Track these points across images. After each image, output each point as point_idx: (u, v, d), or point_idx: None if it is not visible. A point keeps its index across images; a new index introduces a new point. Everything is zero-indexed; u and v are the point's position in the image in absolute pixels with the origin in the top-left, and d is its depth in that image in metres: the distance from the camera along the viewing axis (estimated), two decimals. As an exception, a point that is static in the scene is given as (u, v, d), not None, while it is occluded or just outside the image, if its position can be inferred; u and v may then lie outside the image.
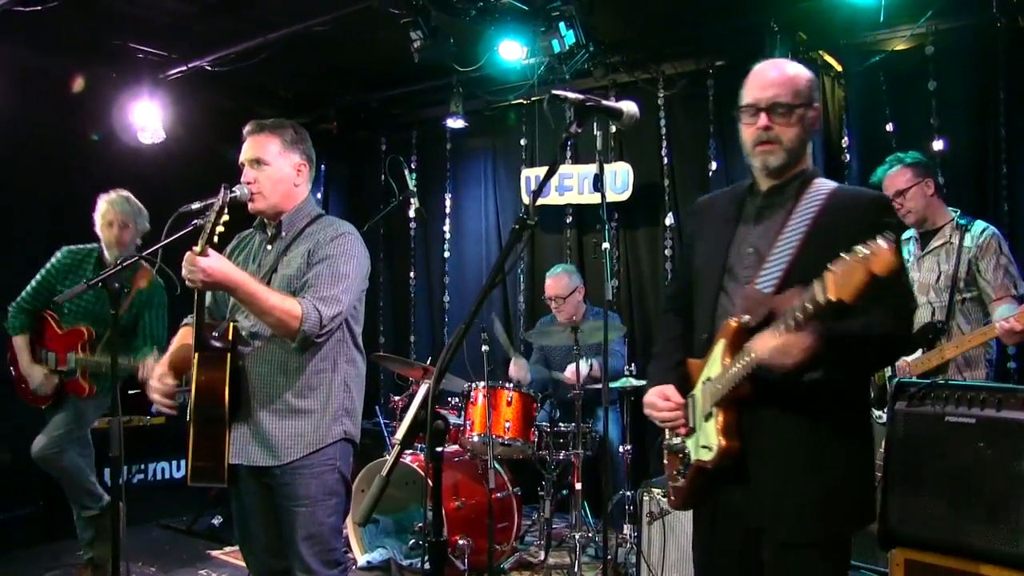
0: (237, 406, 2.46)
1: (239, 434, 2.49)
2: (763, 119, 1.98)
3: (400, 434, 1.63)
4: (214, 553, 4.55)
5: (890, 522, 2.63)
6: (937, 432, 2.58)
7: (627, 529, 4.12)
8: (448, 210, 6.51)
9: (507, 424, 4.12)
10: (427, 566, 1.63)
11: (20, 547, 4.62)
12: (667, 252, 5.37)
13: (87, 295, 3.74)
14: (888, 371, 3.51)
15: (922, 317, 3.49)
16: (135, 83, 5.36)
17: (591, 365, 4.29)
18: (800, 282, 1.77)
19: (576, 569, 3.87)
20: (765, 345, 1.79)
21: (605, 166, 4.37)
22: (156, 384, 2.59)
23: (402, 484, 4.10)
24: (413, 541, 3.99)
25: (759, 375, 1.85)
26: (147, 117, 5.35)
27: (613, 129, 5.22)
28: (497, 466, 4.17)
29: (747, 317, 1.91)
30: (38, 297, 3.93)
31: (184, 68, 5.38)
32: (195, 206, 2.59)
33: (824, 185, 2.00)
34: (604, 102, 1.95)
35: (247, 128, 2.65)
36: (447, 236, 6.51)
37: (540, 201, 5.39)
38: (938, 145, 4.43)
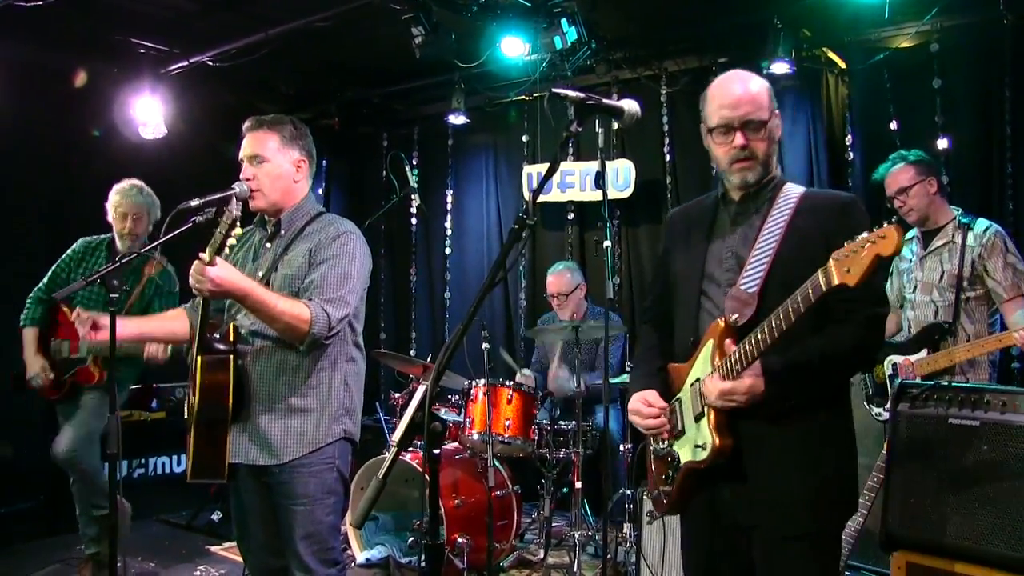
0: (240, 408, 2.46)
1: (239, 433, 2.49)
2: (739, 138, 2.02)
3: (397, 436, 1.62)
4: (213, 549, 4.55)
5: (892, 525, 2.61)
6: (940, 434, 2.56)
7: (627, 528, 4.10)
8: (449, 207, 6.49)
9: (507, 422, 4.11)
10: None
11: (21, 541, 4.63)
12: (669, 250, 5.35)
13: (95, 287, 3.74)
14: (889, 370, 3.49)
15: (925, 316, 3.48)
16: (136, 78, 5.35)
17: (577, 382, 4.14)
18: (782, 280, 1.89)
19: (576, 568, 3.86)
20: (710, 393, 1.94)
21: (607, 163, 4.35)
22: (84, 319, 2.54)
23: (401, 481, 4.09)
24: (412, 539, 3.98)
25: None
26: (148, 112, 5.34)
27: (615, 126, 5.20)
28: (497, 464, 4.16)
29: (735, 316, 1.96)
30: (52, 287, 3.92)
31: (185, 63, 5.36)
32: (194, 203, 2.57)
33: (794, 190, 2.08)
34: (605, 101, 1.95)
35: (246, 124, 2.64)
36: (448, 233, 6.50)
37: (541, 198, 5.38)
38: (942, 143, 4.41)
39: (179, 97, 5.55)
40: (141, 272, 3.96)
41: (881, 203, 3.81)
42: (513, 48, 4.73)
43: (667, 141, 5.38)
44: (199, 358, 2.41)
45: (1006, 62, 4.29)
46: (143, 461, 5.23)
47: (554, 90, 1.92)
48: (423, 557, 2.60)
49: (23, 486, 4.83)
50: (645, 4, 4.94)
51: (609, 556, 3.59)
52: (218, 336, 2.47)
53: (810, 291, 1.74)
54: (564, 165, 5.58)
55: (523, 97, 5.84)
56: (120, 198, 3.98)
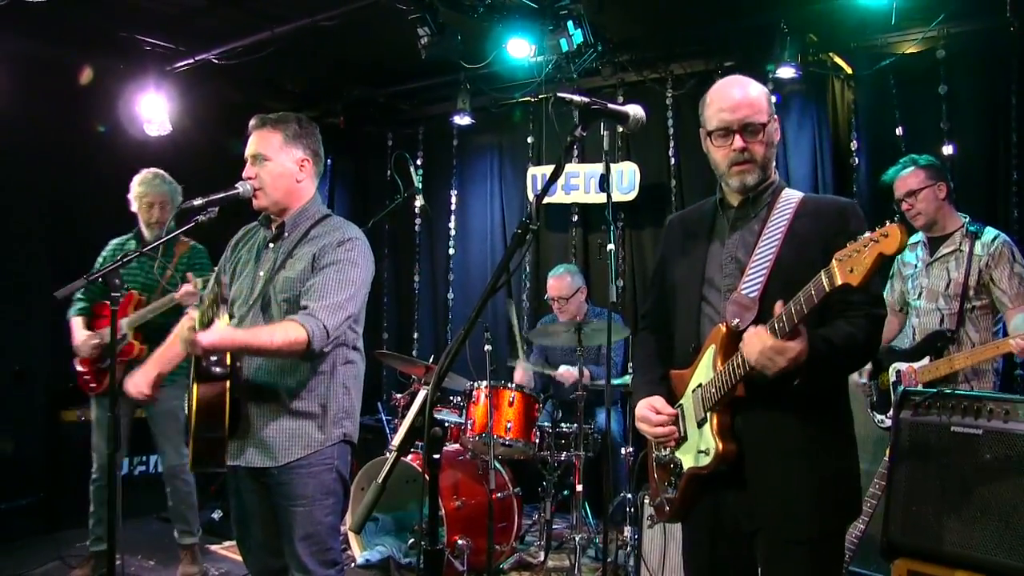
0: (236, 424, 2.46)
1: (237, 439, 2.48)
2: (738, 141, 2.03)
3: (397, 440, 1.62)
4: (213, 548, 4.54)
5: (893, 532, 2.61)
6: (942, 442, 2.56)
7: (628, 531, 4.09)
8: (453, 207, 6.49)
9: (508, 424, 4.11)
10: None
11: (21, 537, 4.63)
12: (673, 253, 5.34)
13: (131, 265, 3.81)
14: (892, 377, 3.48)
15: (931, 324, 3.46)
16: (142, 75, 5.35)
17: (581, 370, 4.18)
18: (782, 285, 1.88)
19: (576, 571, 3.86)
20: (753, 348, 1.83)
21: (612, 166, 4.34)
22: (134, 391, 2.63)
23: (402, 482, 4.09)
24: (412, 540, 3.98)
25: (749, 378, 1.90)
26: (153, 109, 5.34)
27: (620, 129, 5.19)
28: (498, 466, 4.15)
29: (737, 321, 1.95)
30: (89, 288, 3.92)
31: (191, 61, 5.36)
32: (197, 202, 2.59)
33: (793, 195, 2.09)
34: (610, 105, 1.95)
35: (251, 123, 2.62)
36: (452, 233, 6.50)
37: (546, 200, 5.35)
38: (948, 149, 4.39)
39: (184, 94, 5.55)
40: (173, 252, 4.06)
41: (886, 207, 3.79)
42: (519, 49, 4.73)
43: (672, 144, 5.38)
44: (195, 385, 2.40)
45: (1012, 69, 4.28)
46: (144, 458, 5.22)
47: (559, 95, 1.92)
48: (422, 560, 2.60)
49: (24, 482, 4.83)
50: (651, 7, 4.93)
51: (609, 559, 3.57)
52: (215, 359, 2.41)
53: (813, 292, 1.74)
54: (568, 167, 5.57)
55: (528, 99, 5.84)
56: (144, 188, 4.02)
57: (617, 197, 5.32)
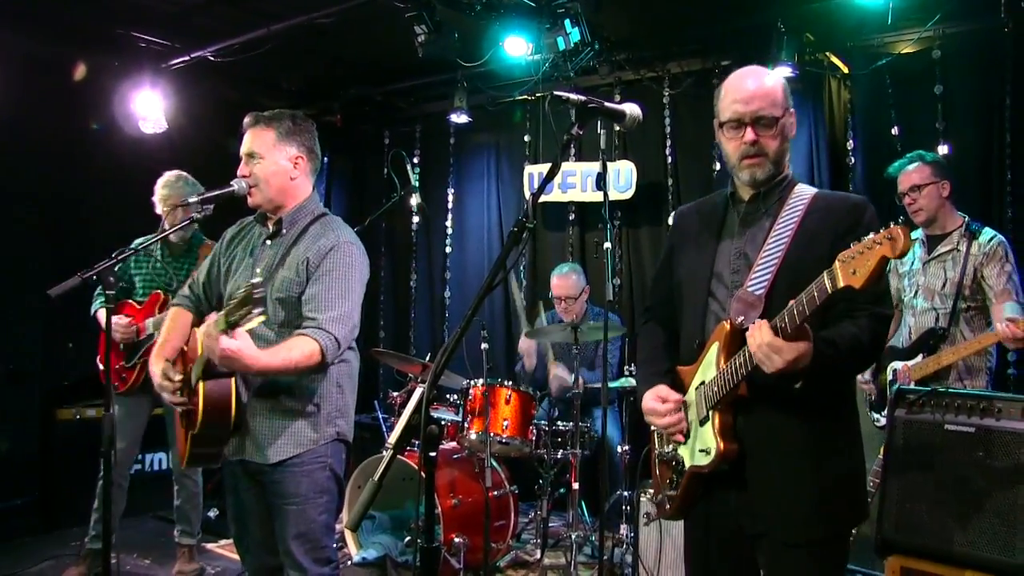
0: (240, 421, 2.46)
1: (234, 434, 2.48)
2: (750, 133, 1.98)
3: (393, 439, 1.62)
4: (209, 546, 4.54)
5: (887, 529, 2.62)
6: (936, 440, 2.57)
7: (624, 529, 4.11)
8: (450, 205, 6.49)
9: (505, 422, 4.11)
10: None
11: (16, 536, 4.62)
12: (670, 252, 5.35)
13: (155, 265, 3.87)
14: (890, 375, 3.50)
15: (926, 323, 3.48)
16: (137, 72, 5.34)
17: (575, 379, 4.19)
18: (790, 283, 1.83)
19: (572, 568, 3.86)
20: (754, 340, 1.79)
21: (609, 164, 4.35)
22: (165, 383, 2.53)
23: (398, 480, 4.09)
24: (409, 538, 3.98)
25: (752, 377, 1.86)
26: (149, 107, 5.33)
27: (617, 128, 5.20)
28: (494, 464, 4.16)
29: (741, 318, 1.92)
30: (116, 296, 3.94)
31: (187, 58, 5.35)
32: (192, 200, 2.59)
33: (806, 190, 2.04)
34: (607, 104, 1.94)
35: (246, 120, 2.63)
36: (449, 232, 6.49)
37: (543, 198, 5.35)
38: (943, 149, 4.40)
39: (180, 92, 5.54)
40: (197, 254, 4.08)
41: (884, 204, 3.81)
42: (516, 48, 4.72)
43: (669, 143, 5.38)
44: (201, 384, 2.38)
45: (1007, 69, 4.30)
46: (139, 457, 5.21)
47: (556, 93, 1.92)
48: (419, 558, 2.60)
49: (19, 482, 4.82)
50: (648, 6, 4.93)
51: (605, 557, 3.58)
52: None
53: (815, 293, 1.70)
54: (566, 165, 5.58)
55: (525, 97, 5.84)
56: (168, 191, 4.03)
57: (614, 196, 5.32)
